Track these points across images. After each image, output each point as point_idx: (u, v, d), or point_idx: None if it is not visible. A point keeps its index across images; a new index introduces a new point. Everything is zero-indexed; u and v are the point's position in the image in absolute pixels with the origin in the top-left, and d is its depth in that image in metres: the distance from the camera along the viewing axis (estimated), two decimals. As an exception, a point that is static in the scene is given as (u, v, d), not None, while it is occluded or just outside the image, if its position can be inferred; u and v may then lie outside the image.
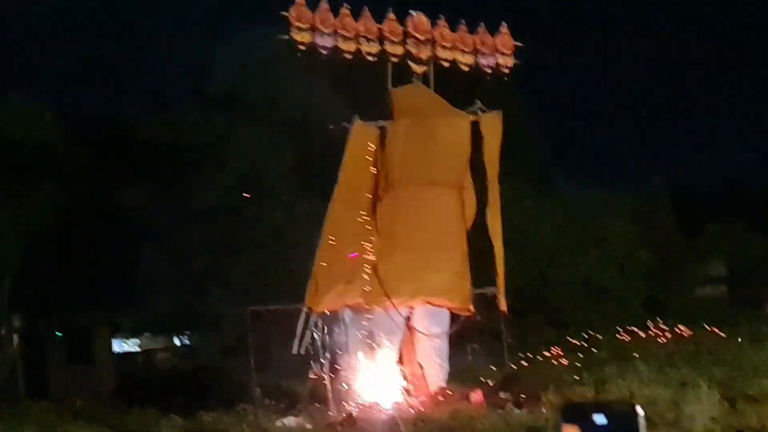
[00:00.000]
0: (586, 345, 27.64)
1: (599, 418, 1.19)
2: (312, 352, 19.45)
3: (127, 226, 30.15)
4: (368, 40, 19.52)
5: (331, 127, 19.79)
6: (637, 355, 22.07)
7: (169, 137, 30.21)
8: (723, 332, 28.51)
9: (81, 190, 30.73)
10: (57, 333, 30.39)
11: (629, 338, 28.37)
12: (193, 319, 31.10)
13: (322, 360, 19.46)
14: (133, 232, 30.47)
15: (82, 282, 29.85)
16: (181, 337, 35.48)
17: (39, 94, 37.35)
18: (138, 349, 35.79)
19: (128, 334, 35.45)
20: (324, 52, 19.15)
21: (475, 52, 20.78)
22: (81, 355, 29.30)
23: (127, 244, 30.59)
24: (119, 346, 34.46)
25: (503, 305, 20.67)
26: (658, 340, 27.33)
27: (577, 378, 19.91)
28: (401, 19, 20.13)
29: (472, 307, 20.43)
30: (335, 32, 19.20)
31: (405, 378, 20.20)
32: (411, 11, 20.28)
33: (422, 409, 18.39)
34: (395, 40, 19.83)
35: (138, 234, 30.48)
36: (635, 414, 1.17)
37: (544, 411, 15.69)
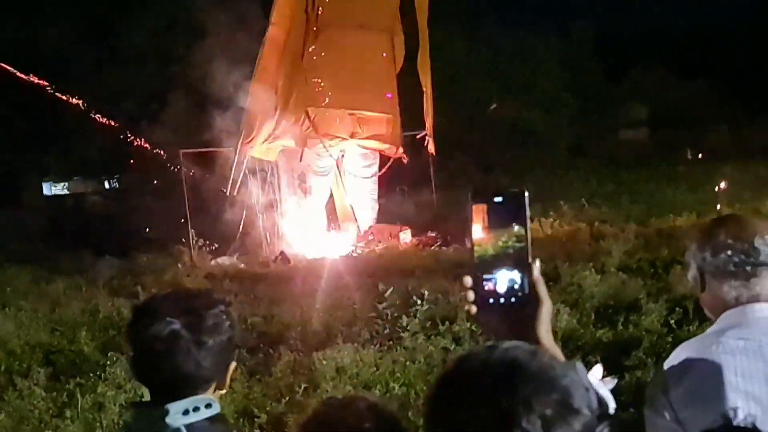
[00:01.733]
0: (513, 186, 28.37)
1: (497, 198, 1.66)
2: (245, 194, 19.72)
3: (55, 68, 29.53)
4: None
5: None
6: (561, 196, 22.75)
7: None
8: (643, 173, 29.48)
9: (4, 31, 29.98)
10: (-15, 177, 30.19)
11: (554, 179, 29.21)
12: (123, 162, 30.95)
13: (254, 202, 19.75)
14: (62, 74, 29.88)
15: (9, 125, 29.48)
16: (110, 180, 35.33)
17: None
18: (68, 192, 35.59)
19: (57, 178, 35.21)
20: None
21: None
22: (10, 198, 29.19)
23: (55, 87, 30.04)
24: (48, 189, 34.28)
25: (432, 148, 21.04)
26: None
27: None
28: None
29: (402, 150, 20.77)
30: None
31: (336, 218, 20.68)
32: None
33: (354, 247, 18.98)
34: None
35: (66, 76, 29.89)
36: (523, 194, 1.63)
37: (469, 247, 16.29)
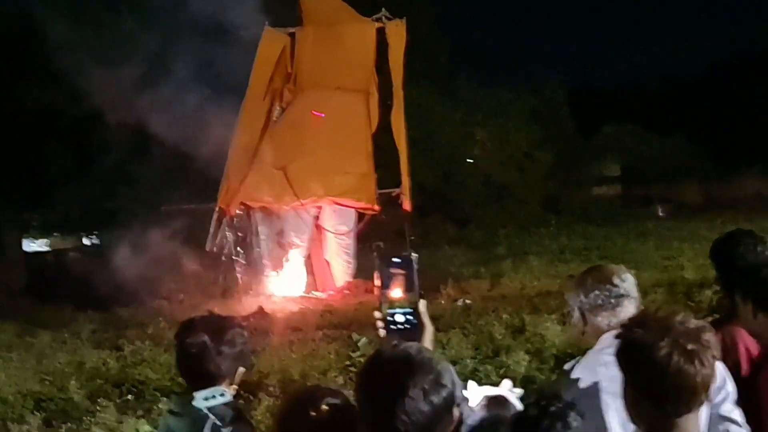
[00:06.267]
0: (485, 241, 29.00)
1: (396, 259, 2.64)
2: (224, 250, 20.20)
3: (34, 123, 29.92)
4: (278, -53, 19.88)
5: (242, 33, 20.15)
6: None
7: (75, 33, 29.82)
8: (614, 229, 30.11)
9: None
10: (-35, 232, 30.41)
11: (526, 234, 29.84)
12: (103, 219, 31.17)
13: (233, 257, 20.24)
14: (41, 130, 30.23)
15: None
16: (90, 237, 35.53)
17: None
18: (48, 249, 35.77)
19: (37, 234, 35.41)
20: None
21: (381, -40, 21.19)
22: (-10, 253, 29.43)
23: (34, 142, 30.40)
24: (28, 245, 34.45)
25: (407, 204, 21.58)
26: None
27: (475, 272, 21.19)
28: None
29: (377, 206, 21.31)
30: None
31: (313, 274, 21.14)
32: None
33: (329, 302, 19.43)
34: (304, -53, 20.18)
35: (45, 132, 30.25)
36: (411, 257, 2.66)
37: (442, 302, 16.83)
